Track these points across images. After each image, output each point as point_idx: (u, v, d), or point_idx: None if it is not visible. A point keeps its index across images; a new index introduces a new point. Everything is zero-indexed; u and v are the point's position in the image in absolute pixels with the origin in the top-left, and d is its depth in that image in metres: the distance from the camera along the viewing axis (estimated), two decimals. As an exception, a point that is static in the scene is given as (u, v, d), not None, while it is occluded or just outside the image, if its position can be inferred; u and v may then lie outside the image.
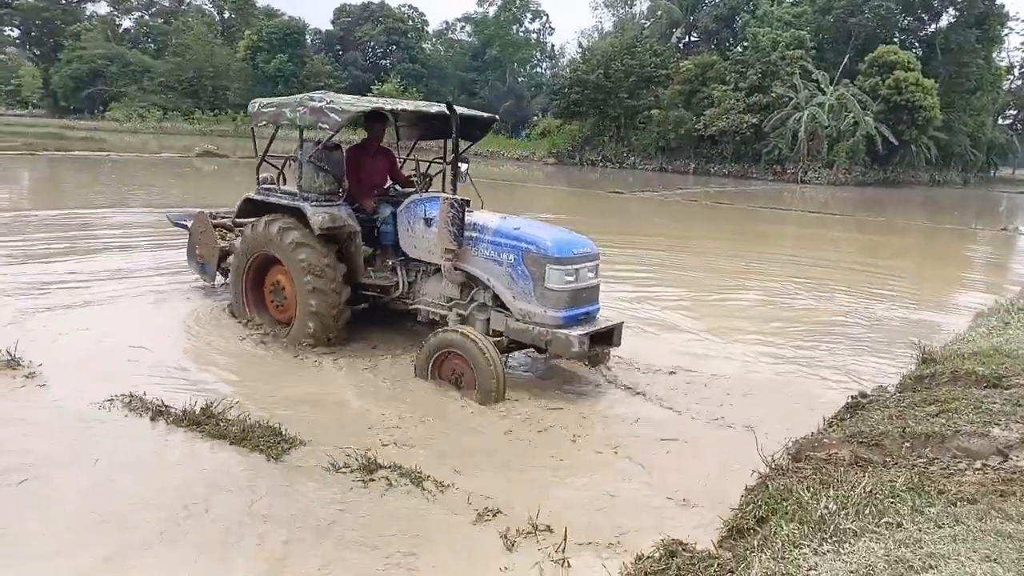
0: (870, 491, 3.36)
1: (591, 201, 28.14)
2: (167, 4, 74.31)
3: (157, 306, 7.88)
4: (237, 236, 7.47)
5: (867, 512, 3.19)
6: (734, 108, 43.93)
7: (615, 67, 48.53)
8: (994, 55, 53.99)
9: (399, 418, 5.23)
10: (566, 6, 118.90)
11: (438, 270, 6.28)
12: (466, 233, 5.91)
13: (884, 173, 45.93)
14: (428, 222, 6.22)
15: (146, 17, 75.05)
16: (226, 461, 4.42)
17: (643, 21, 58.37)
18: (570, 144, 52.44)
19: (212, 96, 62.78)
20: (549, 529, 3.73)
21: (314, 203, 6.38)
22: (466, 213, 5.94)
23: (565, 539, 3.62)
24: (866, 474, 3.57)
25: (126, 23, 75.42)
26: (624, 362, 6.75)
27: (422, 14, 70.05)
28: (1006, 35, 54.56)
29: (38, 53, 74.20)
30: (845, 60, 45.19)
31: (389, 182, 7.38)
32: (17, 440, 4.51)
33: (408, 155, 7.81)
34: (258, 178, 7.18)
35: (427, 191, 7.05)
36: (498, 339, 5.90)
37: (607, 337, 5.94)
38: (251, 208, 7.01)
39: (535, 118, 64.06)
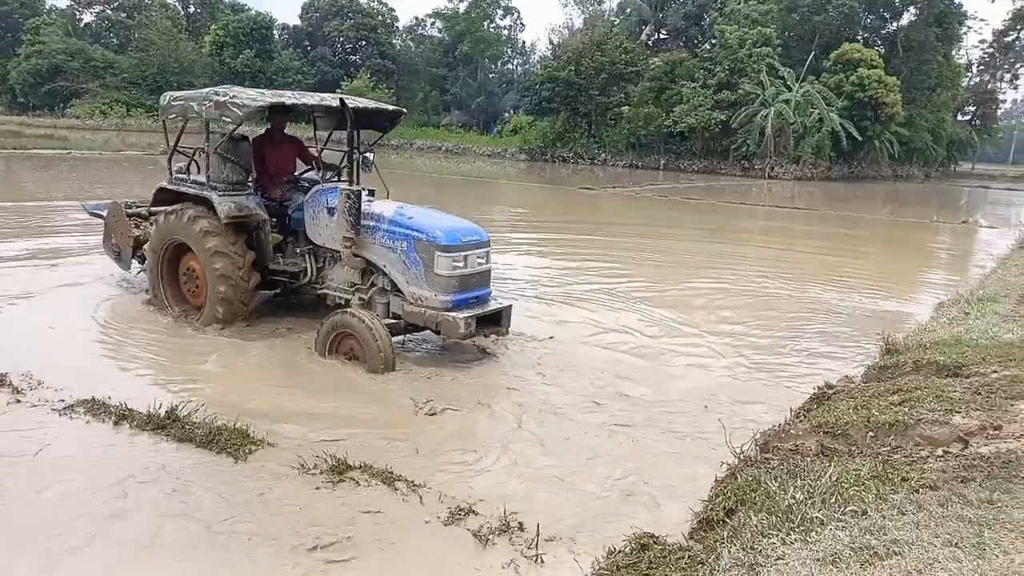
0: (836, 480, 3.42)
1: (562, 197, 28.21)
2: (130, -2, 72.78)
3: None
4: (152, 224, 7.66)
5: (833, 501, 3.24)
6: (703, 105, 44.30)
7: (586, 64, 48.65)
8: (953, 53, 55.17)
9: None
10: (536, 3, 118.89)
11: (338, 258, 6.59)
12: (364, 222, 6.24)
13: (849, 168, 46.72)
14: (331, 211, 6.50)
15: (108, 11, 73.25)
16: (193, 463, 4.35)
17: (613, 18, 58.51)
18: (541, 141, 52.45)
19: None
20: (521, 527, 3.73)
21: (222, 193, 6.70)
22: (365, 203, 6.30)
23: (538, 534, 3.62)
24: (832, 463, 3.63)
25: (87, 17, 73.58)
26: (565, 348, 6.94)
27: (392, 10, 69.46)
28: (964, 33, 55.77)
29: (-6, 48, 72.31)
30: (810, 58, 45.81)
31: (301, 169, 7.64)
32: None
33: (324, 145, 8.07)
34: (170, 168, 7.36)
35: (339, 179, 7.33)
36: (396, 322, 6.34)
37: (495, 319, 6.35)
38: (165, 198, 7.26)
39: (507, 115, 63.99)
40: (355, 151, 6.72)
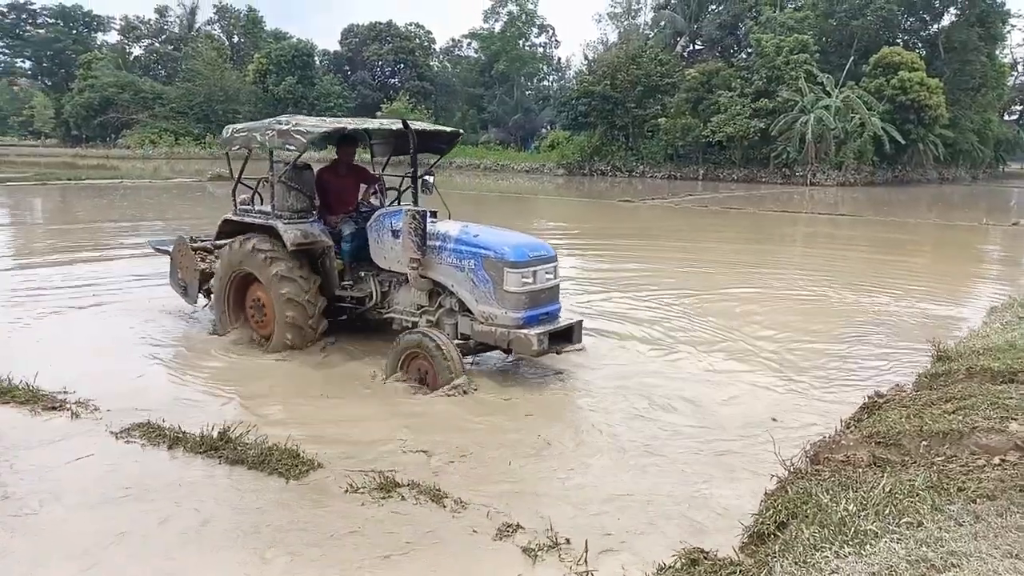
0: (889, 491, 3.36)
1: (601, 210, 28.19)
2: (177, 31, 75.40)
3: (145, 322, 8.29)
4: (217, 258, 7.65)
5: (887, 512, 3.19)
6: (741, 114, 43.93)
7: (621, 77, 48.70)
8: (997, 52, 53.77)
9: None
10: (571, 19, 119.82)
11: (408, 279, 6.53)
12: (430, 242, 6.24)
13: (893, 172, 45.75)
14: (395, 234, 6.48)
15: (156, 44, 76.14)
16: (245, 485, 4.46)
17: (647, 31, 58.57)
18: (579, 155, 52.55)
19: (223, 120, 63.17)
20: (568, 541, 3.74)
21: (287, 221, 6.73)
22: (429, 223, 6.31)
23: (586, 550, 3.63)
24: (885, 474, 3.57)
25: (136, 51, 76.66)
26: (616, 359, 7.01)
27: (429, 32, 70.72)
28: (1008, 32, 54.43)
29: (50, 83, 75.55)
30: (849, 62, 45.10)
31: (361, 192, 7.63)
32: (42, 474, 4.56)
33: (383, 170, 8.06)
34: (235, 200, 7.45)
35: (397, 204, 7.44)
36: (465, 342, 6.31)
37: (566, 335, 6.29)
38: (230, 229, 7.32)
39: (544, 130, 64.30)
40: (418, 174, 6.81)
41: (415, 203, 6.62)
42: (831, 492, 3.51)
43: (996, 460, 3.61)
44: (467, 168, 54.69)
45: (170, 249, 8.45)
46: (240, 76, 65.81)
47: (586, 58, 59.15)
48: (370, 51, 67.53)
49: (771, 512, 3.63)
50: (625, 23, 62.06)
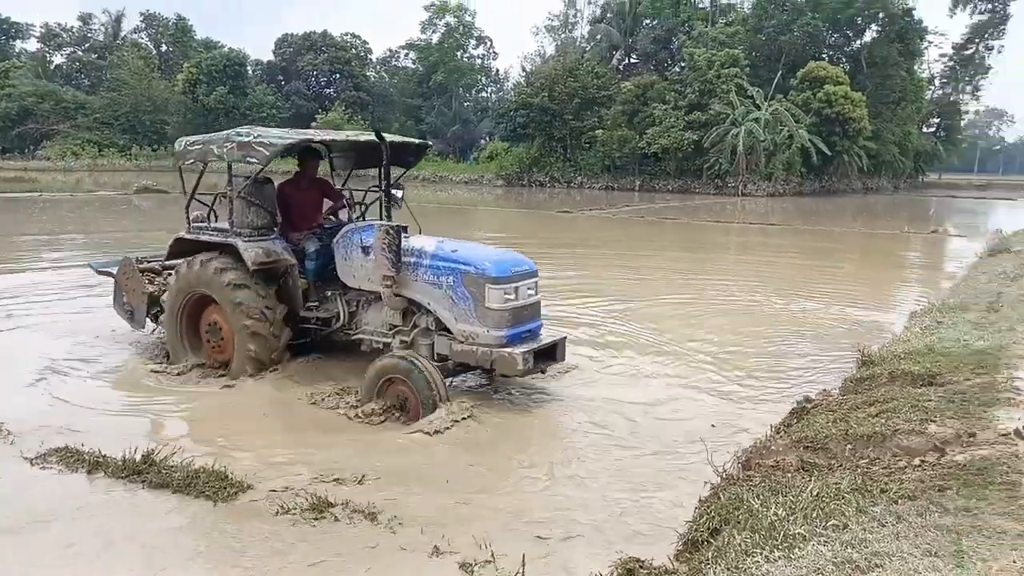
0: (817, 495, 3.43)
1: (541, 221, 28.38)
2: (101, 39, 72.72)
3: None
4: (168, 279, 7.24)
5: (815, 516, 3.25)
6: (675, 126, 44.97)
7: (559, 90, 49.29)
8: (916, 67, 56.61)
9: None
10: (509, 31, 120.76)
11: (378, 298, 6.25)
12: (404, 259, 5.96)
13: (820, 183, 47.51)
14: (365, 250, 6.20)
15: (79, 53, 73.24)
16: (171, 508, 4.28)
17: (584, 45, 59.47)
18: (518, 166, 52.86)
19: (150, 131, 61.53)
20: (505, 555, 3.70)
21: (247, 239, 6.39)
22: (403, 239, 6.01)
23: (523, 564, 3.59)
24: (812, 478, 3.64)
25: (58, 59, 73.56)
26: (564, 374, 6.91)
27: (365, 42, 70.12)
28: (925, 48, 57.36)
29: (-37, 93, 71.75)
30: (778, 76, 46.73)
31: (326, 207, 7.29)
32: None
33: (343, 185, 7.77)
34: (188, 217, 7.05)
35: (363, 219, 7.15)
36: (443, 363, 5.99)
37: (550, 353, 6.11)
38: (183, 248, 6.92)
39: (482, 142, 64.45)
40: (390, 187, 6.53)
41: (387, 218, 6.25)
42: (762, 497, 3.56)
43: (916, 461, 3.74)
44: (405, 180, 53.79)
45: (114, 271, 7.89)
46: (169, 86, 63.93)
47: (524, 70, 59.72)
48: (305, 61, 66.55)
49: (704, 519, 3.66)
50: (562, 36, 62.97)
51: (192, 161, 6.86)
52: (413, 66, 68.82)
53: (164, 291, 7.14)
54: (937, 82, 63.25)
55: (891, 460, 3.78)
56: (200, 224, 6.99)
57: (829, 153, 44.09)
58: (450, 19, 64.47)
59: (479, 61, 69.42)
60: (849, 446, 4.04)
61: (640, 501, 4.47)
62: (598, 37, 57.70)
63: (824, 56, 49.93)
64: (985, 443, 3.83)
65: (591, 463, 5.04)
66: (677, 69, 51.19)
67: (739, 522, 3.42)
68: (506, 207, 36.26)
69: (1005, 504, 3.10)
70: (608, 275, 13.96)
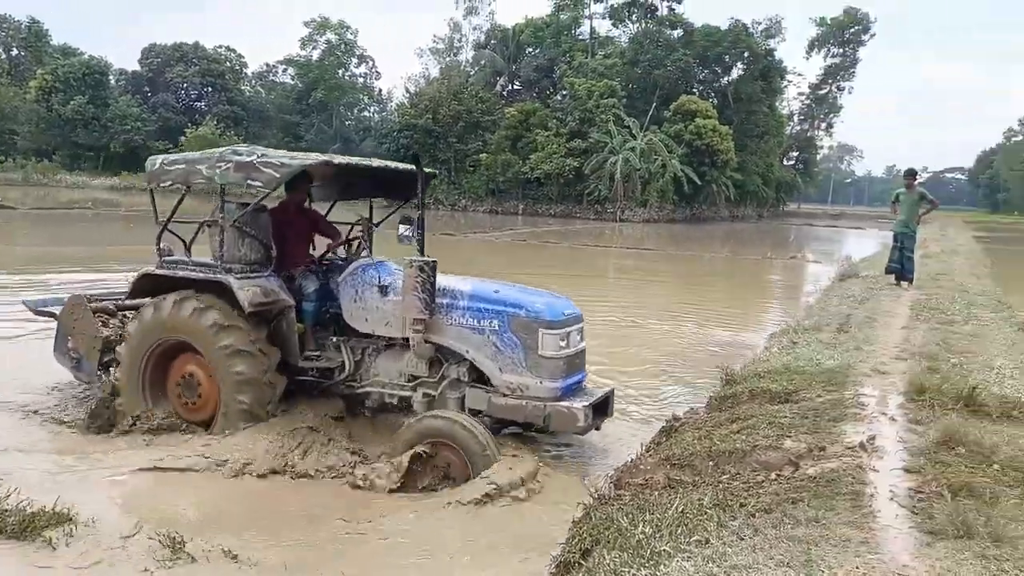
0: (681, 511, 3.51)
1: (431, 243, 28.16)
2: (-60, 39, 66.30)
3: None
4: (127, 321, 6.18)
5: (679, 532, 3.32)
6: (556, 152, 46.29)
7: (443, 112, 49.59)
8: (777, 104, 61.38)
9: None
10: (392, 52, 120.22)
11: (391, 345, 5.56)
12: (436, 300, 5.22)
13: (691, 210, 50.24)
14: (383, 290, 5.42)
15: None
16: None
17: (468, 69, 60.17)
18: (401, 188, 52.48)
19: (-3, 141, 56.49)
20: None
21: (239, 275, 5.43)
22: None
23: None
24: (678, 495, 3.74)
25: None
26: None
27: (240, 56, 67.56)
28: (785, 86, 62.39)
29: None
30: (652, 108, 49.25)
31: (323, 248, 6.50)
32: None
33: (327, 215, 6.84)
34: (159, 249, 5.96)
35: (366, 255, 6.25)
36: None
37: (603, 407, 5.47)
38: (152, 286, 5.83)
39: (365, 162, 63.50)
40: (372, 224, 6.13)
41: (420, 252, 5.31)
42: (631, 516, 3.61)
43: (773, 475, 3.92)
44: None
45: (56, 310, 6.60)
46: (19, 93, 58.98)
47: (408, 91, 59.64)
48: (174, 72, 63.25)
49: (576, 540, 3.68)
50: (447, 59, 63.42)
51: (171, 184, 5.80)
52: (292, 82, 67.04)
53: (121, 336, 6.01)
54: (796, 118, 68.93)
55: (750, 475, 3.95)
56: (175, 259, 5.90)
57: (699, 182, 46.82)
58: (331, 36, 63.56)
59: (361, 80, 68.70)
60: (712, 462, 4.19)
61: (516, 526, 4.42)
62: (482, 62, 58.61)
63: (695, 91, 53.22)
64: (834, 456, 4.08)
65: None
66: (559, 97, 52.82)
67: (609, 541, 3.45)
68: (387, 229, 35.72)
69: (850, 513, 3.29)
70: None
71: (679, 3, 55.45)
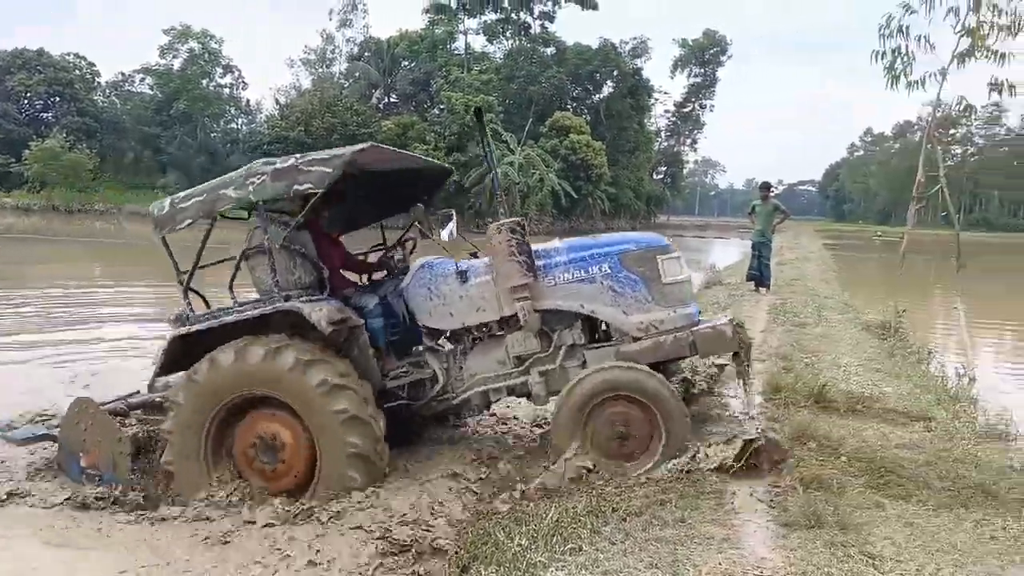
0: (556, 521, 3.54)
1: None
2: None
3: None
4: (169, 401, 4.83)
5: (554, 542, 3.35)
6: (436, 166, 46.26)
7: (316, 124, 48.36)
8: (646, 121, 64.38)
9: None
10: (260, 62, 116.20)
11: (478, 339, 5.04)
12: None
13: (569, 223, 51.58)
14: (462, 276, 4.96)
15: None
16: None
17: (342, 81, 59.08)
18: (275, 202, 50.74)
19: None
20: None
21: (301, 300, 4.70)
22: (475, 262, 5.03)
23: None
24: (553, 504, 3.76)
25: None
26: None
27: (92, 64, 62.77)
28: (652, 104, 65.55)
29: None
30: (529, 124, 50.27)
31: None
32: None
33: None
34: (187, 301, 4.96)
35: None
36: None
37: None
38: (184, 351, 4.81)
39: (234, 176, 60.92)
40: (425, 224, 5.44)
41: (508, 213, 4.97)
42: (507, 529, 3.60)
43: (643, 479, 4.02)
44: (141, 216, 49.49)
45: (52, 432, 5.30)
46: None
47: (278, 103, 57.76)
48: (15, 81, 57.88)
49: (453, 558, 3.62)
50: (319, 71, 61.98)
51: (190, 222, 4.91)
52: (151, 92, 63.18)
53: (151, 432, 5.11)
54: (663, 135, 72.51)
55: (622, 479, 4.03)
56: (203, 313, 4.91)
57: (575, 196, 48.21)
58: (194, 45, 60.54)
59: (227, 90, 65.75)
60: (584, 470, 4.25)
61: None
62: (356, 75, 57.75)
63: (569, 107, 54.81)
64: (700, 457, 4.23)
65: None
66: (436, 111, 52.86)
67: (486, 557, 3.42)
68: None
69: (714, 512, 3.44)
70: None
71: (551, 22, 57.20)
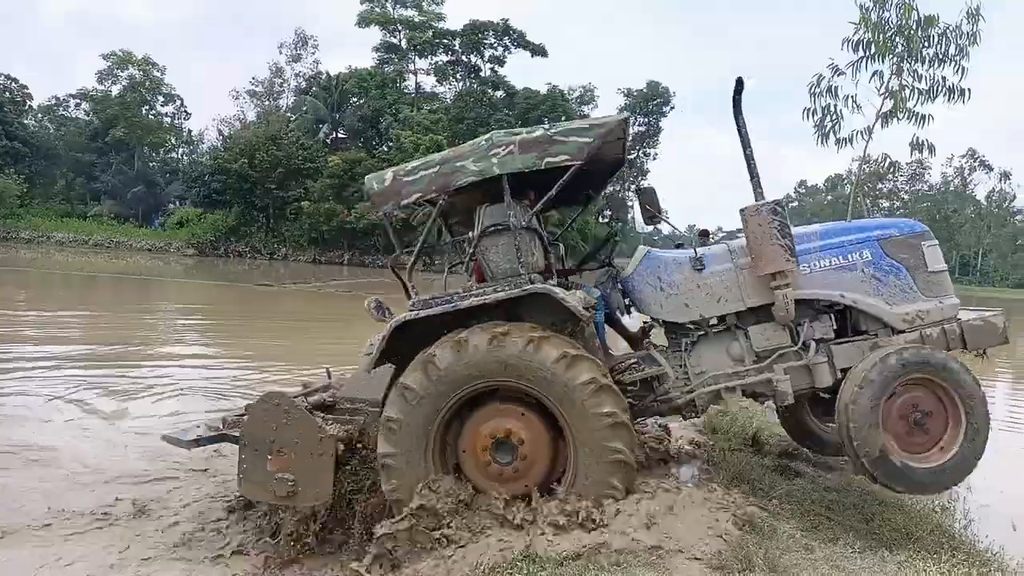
0: (492, 567, 3.49)
1: (238, 295, 26.61)
2: None
3: None
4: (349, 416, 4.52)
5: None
6: (383, 203, 46.05)
7: (260, 157, 47.81)
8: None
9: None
10: (203, 92, 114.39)
11: (704, 334, 4.70)
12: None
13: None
14: (698, 263, 4.60)
15: None
16: None
17: (289, 114, 58.69)
18: (213, 234, 49.63)
19: None
20: None
21: (550, 284, 4.33)
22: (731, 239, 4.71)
23: None
24: (489, 549, 3.71)
25: None
26: None
27: (24, 86, 60.91)
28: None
29: None
30: (477, 164, 50.74)
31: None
32: None
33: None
34: (408, 287, 4.54)
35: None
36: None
37: None
38: (399, 343, 4.36)
39: (171, 206, 59.53)
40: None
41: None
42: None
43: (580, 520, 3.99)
44: (72, 245, 47.88)
45: (231, 432, 4.68)
46: None
47: (221, 134, 56.96)
48: (-61, 101, 55.79)
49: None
50: (266, 103, 61.45)
51: (420, 196, 4.46)
52: (87, 118, 61.48)
53: (361, 431, 4.64)
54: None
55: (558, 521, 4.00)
56: (431, 298, 4.42)
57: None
58: (135, 72, 59.45)
59: (168, 119, 64.56)
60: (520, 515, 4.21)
61: None
62: (303, 109, 57.46)
63: (515, 150, 55.62)
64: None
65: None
66: (385, 148, 52.89)
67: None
68: (197, 279, 33.47)
69: (648, 555, 3.43)
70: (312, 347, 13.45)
71: (501, 66, 58.20)
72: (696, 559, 3.45)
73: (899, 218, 4.92)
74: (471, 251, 4.64)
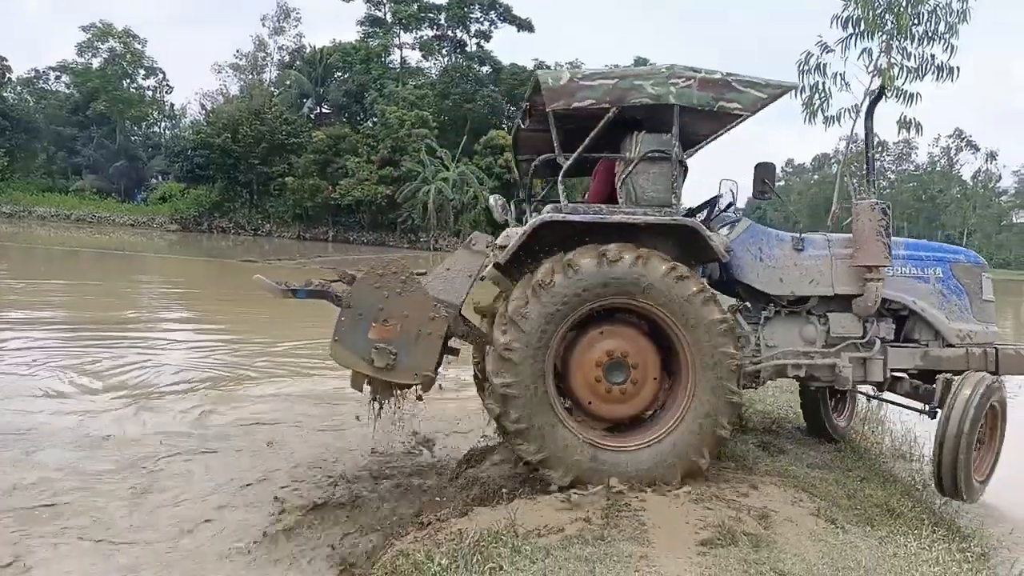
0: (477, 540, 3.48)
1: (222, 270, 26.41)
2: None
3: None
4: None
5: (475, 561, 3.29)
6: (368, 179, 45.72)
7: (244, 132, 47.22)
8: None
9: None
10: (186, 65, 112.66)
11: (780, 312, 4.93)
12: None
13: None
14: (799, 243, 4.88)
15: None
16: None
17: (272, 89, 57.84)
18: (196, 210, 49.13)
19: None
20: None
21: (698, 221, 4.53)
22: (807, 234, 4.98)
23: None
24: (474, 523, 3.71)
25: None
26: None
27: (2, 58, 59.69)
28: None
29: None
30: (464, 140, 50.33)
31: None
32: None
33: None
34: (561, 191, 4.59)
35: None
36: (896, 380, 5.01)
37: None
38: (549, 239, 4.38)
39: (154, 181, 58.77)
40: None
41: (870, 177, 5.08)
42: (426, 550, 3.53)
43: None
44: (53, 219, 47.25)
45: (339, 287, 4.55)
46: None
47: (204, 108, 56.16)
48: (-85, 72, 54.62)
49: (371, 580, 3.53)
50: (249, 77, 60.50)
51: (591, 103, 4.39)
52: (67, 91, 60.34)
53: (469, 326, 4.69)
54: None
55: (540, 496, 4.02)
56: (580, 206, 4.52)
57: (510, 213, 48.54)
58: (115, 44, 58.30)
59: (150, 93, 63.47)
60: (505, 489, 4.23)
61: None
62: (288, 83, 56.67)
63: (504, 126, 55.12)
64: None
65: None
66: (370, 123, 52.35)
67: (405, 577, 3.34)
68: (180, 254, 33.16)
69: (632, 530, 3.45)
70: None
71: (487, 41, 57.58)
72: (679, 534, 3.47)
73: (969, 250, 5.39)
74: (625, 172, 4.57)
